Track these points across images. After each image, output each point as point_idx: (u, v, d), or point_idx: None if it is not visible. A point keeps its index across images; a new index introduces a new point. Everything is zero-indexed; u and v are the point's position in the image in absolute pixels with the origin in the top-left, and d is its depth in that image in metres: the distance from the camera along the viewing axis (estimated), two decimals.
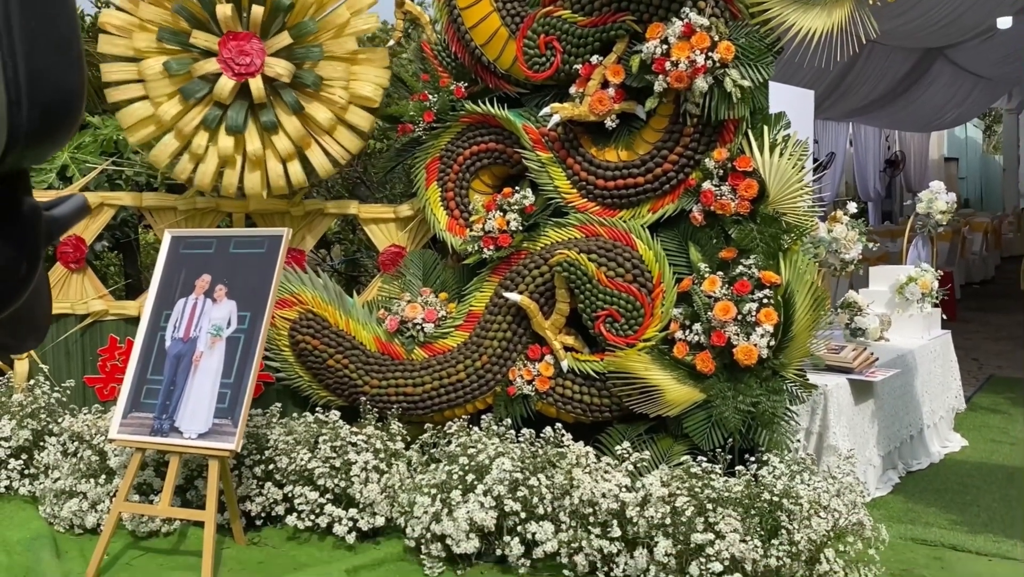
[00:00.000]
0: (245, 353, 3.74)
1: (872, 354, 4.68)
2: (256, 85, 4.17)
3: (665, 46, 3.72)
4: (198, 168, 4.32)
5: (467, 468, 3.65)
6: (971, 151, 19.60)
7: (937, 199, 6.06)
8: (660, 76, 3.74)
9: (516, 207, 4.22)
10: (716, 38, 3.67)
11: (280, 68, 4.21)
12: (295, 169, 4.36)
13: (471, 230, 4.33)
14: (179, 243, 4.08)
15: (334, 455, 3.92)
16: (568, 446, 3.75)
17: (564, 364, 4.07)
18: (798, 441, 3.85)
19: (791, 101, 5.60)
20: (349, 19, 4.32)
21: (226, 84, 4.18)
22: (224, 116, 4.25)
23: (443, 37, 4.41)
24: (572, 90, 4.05)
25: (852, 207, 5.55)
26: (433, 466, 3.91)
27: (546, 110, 4.07)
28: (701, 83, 3.67)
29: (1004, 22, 8.61)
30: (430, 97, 4.42)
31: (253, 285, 3.85)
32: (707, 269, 3.83)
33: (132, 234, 6.00)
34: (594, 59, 3.98)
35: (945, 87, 12.60)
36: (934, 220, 6.04)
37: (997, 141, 20.19)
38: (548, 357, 4.13)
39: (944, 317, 6.03)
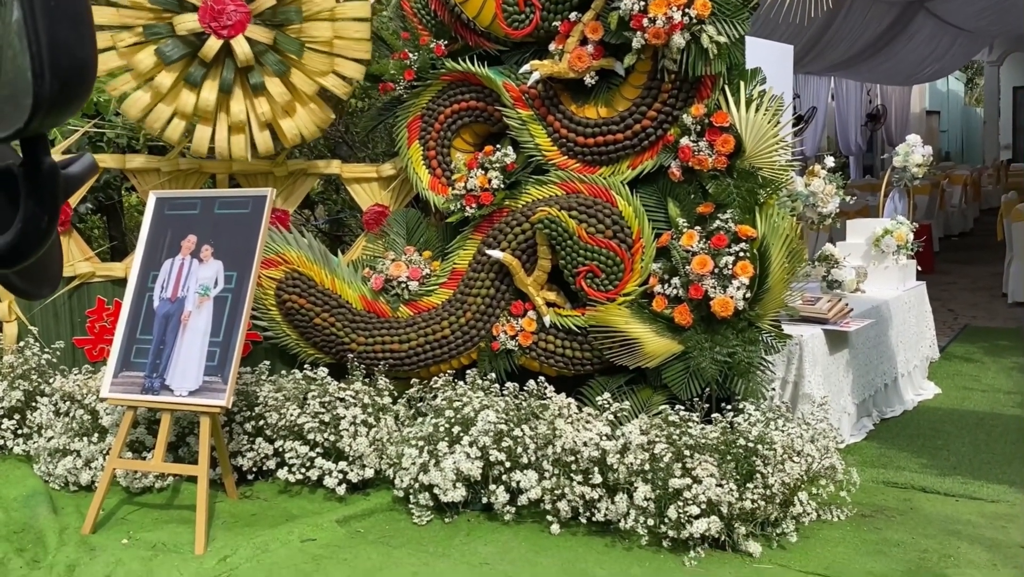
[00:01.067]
0: (233, 312, 3.81)
1: (847, 305, 4.79)
2: (240, 45, 4.18)
3: (643, 2, 3.75)
4: (196, 132, 4.35)
5: (453, 421, 3.75)
6: (952, 104, 19.67)
7: (913, 152, 6.14)
8: (638, 32, 3.77)
9: (497, 165, 4.27)
10: None
11: (260, 34, 4.22)
12: (289, 125, 4.39)
13: (453, 188, 4.38)
14: (164, 204, 4.11)
15: (323, 410, 4.01)
16: (551, 398, 3.86)
17: (546, 319, 4.15)
18: (773, 390, 3.97)
19: (771, 57, 5.64)
20: None
21: (213, 44, 4.18)
22: (207, 74, 4.26)
23: None
24: (551, 47, 4.08)
25: (830, 161, 5.62)
26: (420, 420, 4.01)
27: (526, 67, 4.10)
28: (678, 39, 3.71)
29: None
30: (410, 55, 4.44)
31: (239, 245, 3.90)
32: (685, 224, 3.90)
33: (116, 196, 6.01)
34: (573, 16, 4.00)
35: (927, 40, 12.61)
36: (910, 173, 6.13)
37: (979, 94, 20.26)
38: (531, 313, 4.21)
39: (920, 269, 6.15)
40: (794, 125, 11.96)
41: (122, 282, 4.47)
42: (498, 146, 4.32)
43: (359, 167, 4.89)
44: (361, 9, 4.40)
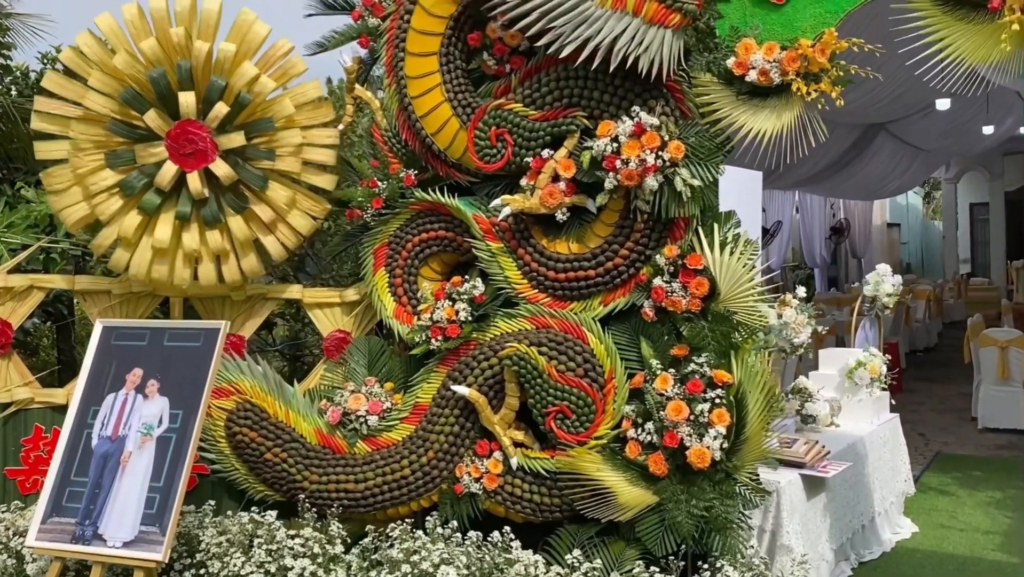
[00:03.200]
0: (176, 454, 3.55)
1: (823, 447, 4.64)
2: (194, 181, 4.08)
3: (616, 144, 3.70)
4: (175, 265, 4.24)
5: (410, 576, 3.48)
6: (912, 216, 20.18)
7: (884, 282, 6.13)
8: (611, 173, 3.71)
9: (466, 296, 4.12)
10: (666, 137, 3.65)
11: (223, 171, 4.12)
12: (251, 260, 4.28)
13: (419, 318, 4.21)
14: (111, 334, 3.89)
15: (269, 559, 3.72)
16: (516, 555, 3.61)
17: (513, 461, 3.94)
18: (752, 548, 3.76)
19: (741, 183, 5.65)
20: (280, 86, 4.25)
21: (169, 169, 4.06)
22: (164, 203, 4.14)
23: (393, 124, 4.34)
24: (523, 182, 4.00)
25: (801, 291, 5.57)
26: (374, 572, 3.73)
27: (497, 201, 4.01)
28: (651, 182, 3.65)
29: (943, 103, 8.89)
30: (379, 184, 4.34)
31: (187, 381, 3.67)
32: (659, 366, 3.76)
33: (65, 311, 5.76)
34: (545, 153, 3.94)
35: (888, 159, 12.96)
36: (881, 303, 6.10)
37: (936, 206, 20.84)
38: (497, 453, 4.00)
39: (893, 382, 6.02)
40: (762, 239, 11.99)
41: (63, 409, 4.20)
42: (467, 277, 4.19)
43: (321, 291, 4.72)
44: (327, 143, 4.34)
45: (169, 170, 4.07)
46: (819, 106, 3.58)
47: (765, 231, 12.92)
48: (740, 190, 5.23)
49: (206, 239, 4.20)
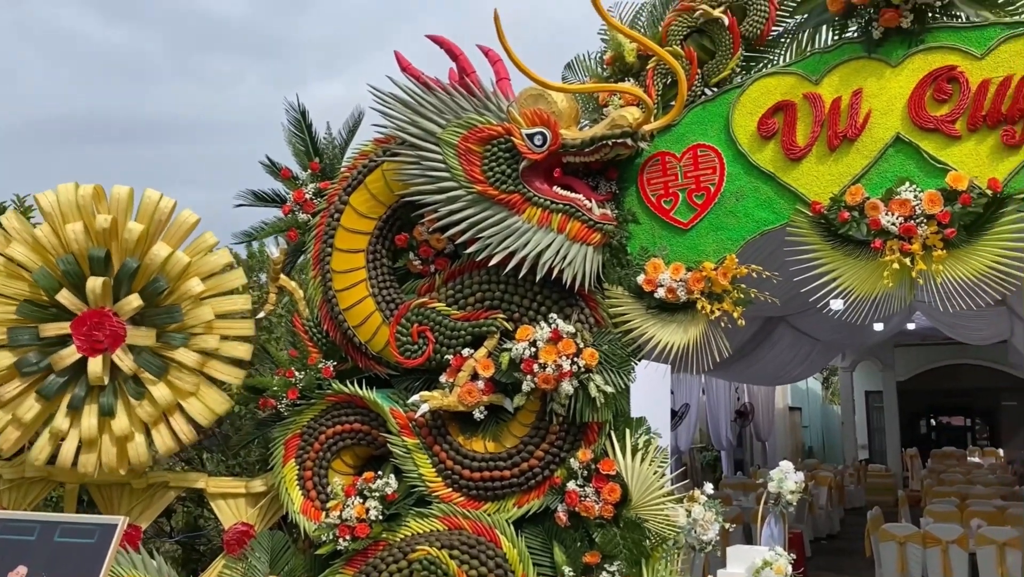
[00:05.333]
0: None
1: None
2: (94, 368, 4.00)
3: (534, 348, 3.83)
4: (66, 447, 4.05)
5: None
6: (812, 400, 20.94)
7: (787, 479, 6.29)
8: (528, 376, 3.82)
9: (377, 494, 4.06)
10: (581, 344, 3.81)
11: (127, 363, 4.07)
12: (139, 446, 4.11)
13: (327, 516, 4.11)
14: None
15: None
16: None
17: None
18: None
19: (649, 374, 5.84)
20: (191, 261, 4.23)
21: (67, 355, 3.99)
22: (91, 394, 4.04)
23: (316, 314, 4.39)
24: (442, 379, 4.07)
25: (709, 488, 5.66)
26: None
27: (415, 397, 4.04)
28: (567, 386, 3.76)
29: (837, 304, 9.46)
30: (296, 374, 4.33)
31: None
32: (571, 573, 3.74)
33: None
34: (465, 351, 4.04)
35: (788, 347, 13.59)
36: (785, 500, 6.23)
37: (835, 390, 21.72)
38: None
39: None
40: (670, 420, 12.06)
41: None
42: (379, 472, 4.14)
43: (226, 481, 4.57)
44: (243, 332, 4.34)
45: (70, 354, 3.98)
46: (722, 325, 3.81)
47: (674, 413, 13.19)
48: (649, 381, 5.37)
49: (109, 425, 4.06)
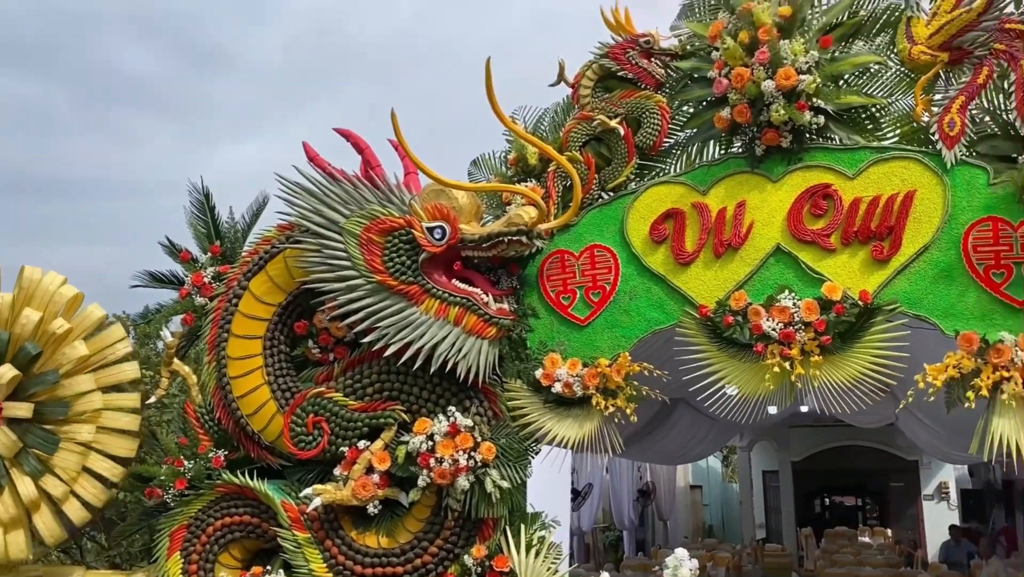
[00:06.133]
0: None
1: None
2: None
3: (431, 442, 3.84)
4: None
5: None
6: (713, 479, 21.31)
7: (682, 566, 6.37)
8: (424, 470, 3.81)
9: None
10: (479, 438, 3.84)
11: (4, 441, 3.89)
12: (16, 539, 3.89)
13: None
14: None
15: None
16: None
17: None
18: None
19: (549, 458, 5.88)
20: (70, 328, 4.13)
21: None
22: None
23: (209, 402, 4.30)
24: (337, 471, 4.02)
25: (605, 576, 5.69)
26: None
27: (308, 491, 3.97)
28: (463, 481, 3.77)
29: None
30: (185, 463, 4.21)
31: None
32: None
33: None
34: (361, 444, 4.01)
35: (688, 427, 13.87)
36: None
37: (734, 468, 22.17)
38: None
39: None
40: (572, 500, 12.16)
41: None
42: (268, 568, 4.03)
43: (106, 575, 4.36)
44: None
45: None
46: (616, 420, 3.91)
47: (576, 493, 13.21)
48: (549, 463, 5.40)
49: None
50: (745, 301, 3.75)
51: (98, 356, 4.19)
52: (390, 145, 4.21)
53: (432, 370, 3.87)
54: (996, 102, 3.68)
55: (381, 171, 4.11)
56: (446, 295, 3.87)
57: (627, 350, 3.96)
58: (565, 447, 3.99)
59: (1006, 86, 3.63)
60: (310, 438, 4.07)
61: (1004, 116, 3.63)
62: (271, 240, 4.29)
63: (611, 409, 3.89)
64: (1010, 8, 3.70)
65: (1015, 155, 3.57)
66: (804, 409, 15.26)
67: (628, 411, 3.90)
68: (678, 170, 4.11)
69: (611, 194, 4.17)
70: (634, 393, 3.92)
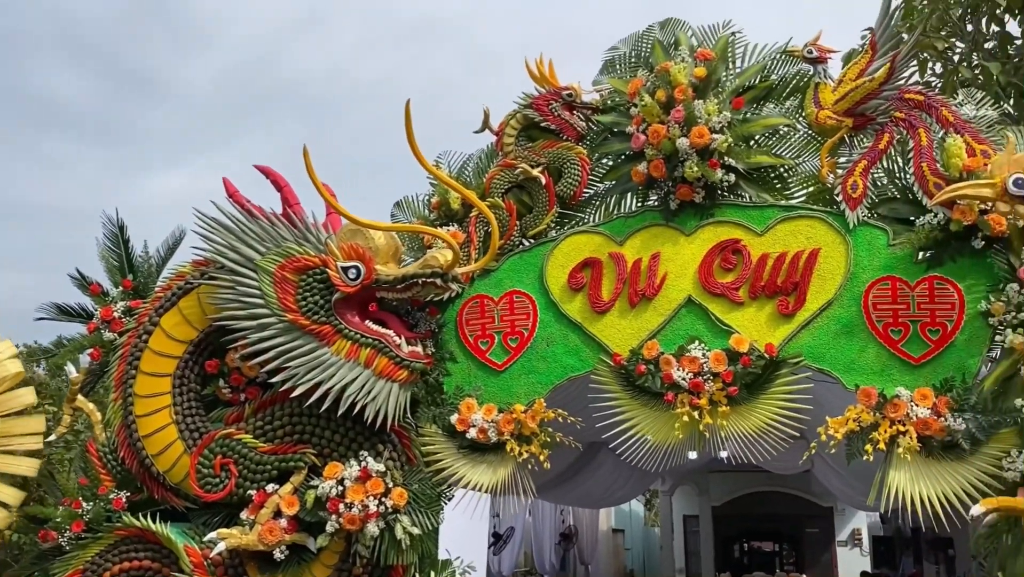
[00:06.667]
0: None
1: None
2: None
3: (341, 487, 3.78)
4: None
5: None
6: (635, 523, 21.42)
7: None
8: (333, 516, 3.74)
9: None
10: (391, 484, 3.80)
11: None
12: None
13: None
14: None
15: None
16: None
17: None
18: None
19: (465, 502, 5.84)
20: None
21: None
22: None
23: (113, 440, 4.16)
24: (243, 515, 3.91)
25: None
26: None
27: (212, 535, 3.86)
28: (372, 528, 3.72)
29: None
30: (84, 505, 4.04)
31: None
32: None
33: None
34: (270, 487, 3.92)
35: (610, 471, 13.93)
36: None
37: (656, 512, 22.31)
38: None
39: None
40: (493, 544, 12.08)
41: None
42: None
43: None
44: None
45: None
46: (529, 466, 3.91)
47: (498, 536, 13.11)
48: (465, 506, 5.37)
49: None
50: (657, 350, 3.83)
51: None
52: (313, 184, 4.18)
53: (340, 412, 3.82)
54: (896, 166, 3.88)
55: (299, 209, 4.08)
56: (358, 336, 3.83)
57: (543, 396, 3.99)
58: (479, 491, 3.97)
59: (905, 152, 3.83)
60: (217, 480, 3.96)
61: (903, 180, 3.82)
62: (185, 276, 4.21)
63: (525, 455, 3.90)
64: (913, 79, 3.92)
65: (913, 217, 3.75)
66: (724, 455, 15.56)
67: (542, 457, 3.91)
68: (597, 220, 4.20)
69: (532, 241, 4.23)
70: (548, 440, 3.94)
